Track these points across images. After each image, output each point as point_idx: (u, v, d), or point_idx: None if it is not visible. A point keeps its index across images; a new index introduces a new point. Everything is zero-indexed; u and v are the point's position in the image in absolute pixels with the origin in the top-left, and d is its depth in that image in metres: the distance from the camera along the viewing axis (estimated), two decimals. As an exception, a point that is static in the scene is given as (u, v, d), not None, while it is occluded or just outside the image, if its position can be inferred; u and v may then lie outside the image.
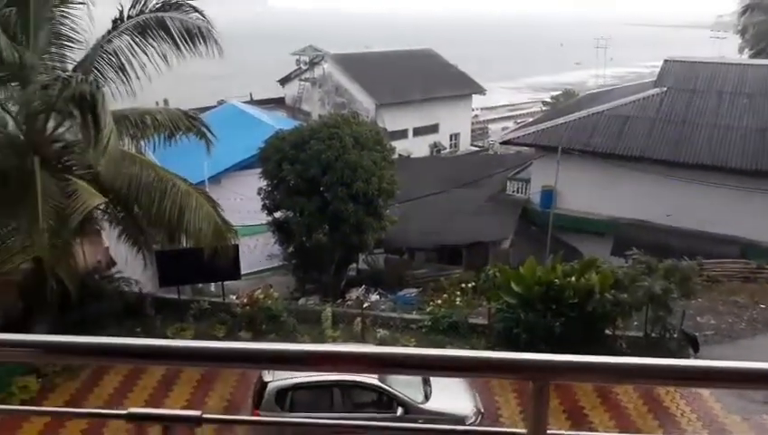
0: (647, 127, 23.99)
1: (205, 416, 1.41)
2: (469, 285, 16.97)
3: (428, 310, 15.62)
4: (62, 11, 12.17)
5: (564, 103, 41.45)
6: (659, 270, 13.90)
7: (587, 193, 23.79)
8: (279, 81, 52.13)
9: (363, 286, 19.17)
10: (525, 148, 28.10)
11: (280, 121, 29.17)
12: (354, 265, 21.73)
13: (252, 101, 46.22)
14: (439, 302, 15.98)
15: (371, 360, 1.31)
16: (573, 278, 13.45)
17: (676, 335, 14.10)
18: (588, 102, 29.30)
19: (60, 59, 12.46)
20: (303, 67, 49.28)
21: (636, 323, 14.48)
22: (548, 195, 24.31)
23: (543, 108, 56.96)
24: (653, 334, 14.02)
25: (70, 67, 12.24)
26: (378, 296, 18.40)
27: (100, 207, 11.50)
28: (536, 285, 13.41)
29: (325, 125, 19.39)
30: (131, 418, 1.42)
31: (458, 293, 16.50)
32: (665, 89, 25.34)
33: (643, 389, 11.78)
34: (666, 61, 26.99)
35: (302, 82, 48.78)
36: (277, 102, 50.42)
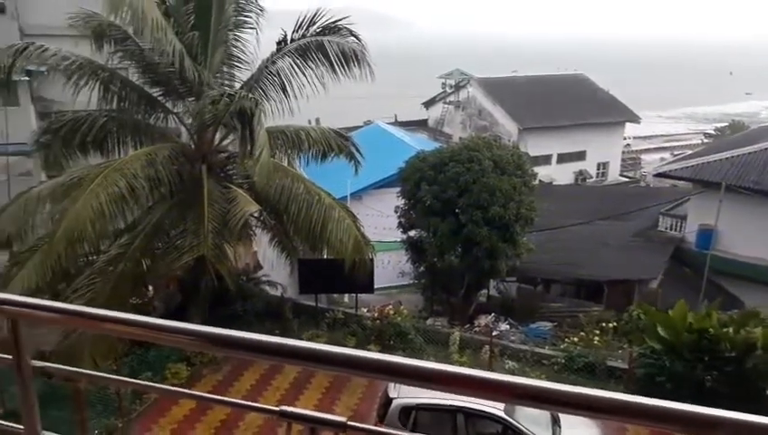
0: (832, 167, 21.12)
1: (350, 423, 1.44)
2: (609, 324, 15.92)
3: (562, 346, 14.87)
4: (236, 35, 13.42)
5: (731, 136, 37.77)
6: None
7: (754, 237, 21.36)
8: (423, 103, 53.17)
9: (493, 314, 18.72)
10: (682, 182, 25.95)
11: (421, 143, 29.70)
12: (485, 290, 21.34)
13: (396, 122, 47.62)
14: (575, 339, 15.16)
15: (523, 390, 1.25)
16: (731, 329, 12.09)
17: None
18: (759, 136, 26.42)
19: (229, 77, 13.72)
20: (448, 90, 49.85)
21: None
22: (706, 235, 22.18)
23: (706, 140, 52.48)
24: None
25: (237, 85, 13.43)
26: (508, 326, 17.87)
27: (255, 215, 12.40)
28: (686, 332, 12.23)
29: (465, 147, 19.37)
30: (282, 415, 1.48)
31: (597, 332, 15.53)
32: None
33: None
34: None
35: (446, 105, 49.30)
36: (420, 124, 51.42)
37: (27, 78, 16.24)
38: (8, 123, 15.35)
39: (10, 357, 1.58)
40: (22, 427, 1.65)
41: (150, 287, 14.75)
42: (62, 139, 12.40)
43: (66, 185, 11.52)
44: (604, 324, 16.01)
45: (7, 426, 1.72)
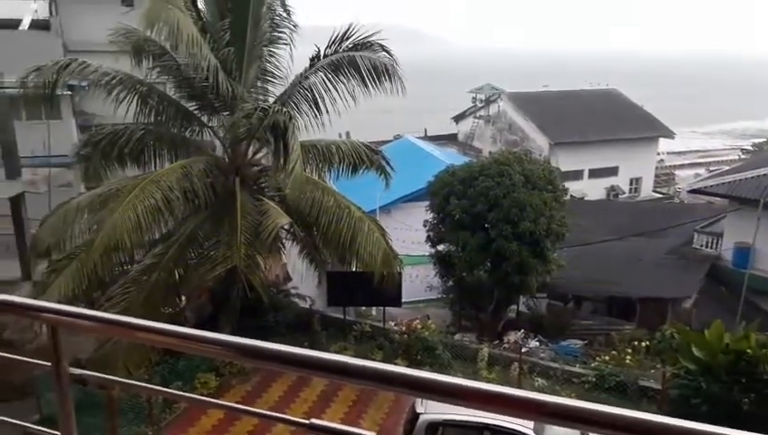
0: None
1: None
2: (642, 343, 15.58)
3: (593, 365, 14.60)
4: (270, 50, 13.69)
5: (770, 152, 36.78)
6: None
7: (794, 255, 20.70)
8: (453, 117, 53.14)
9: (522, 330, 18.48)
10: (718, 199, 25.32)
11: (451, 157, 29.68)
12: (514, 306, 21.09)
13: (426, 137, 47.65)
14: (606, 358, 14.86)
15: (552, 408, 1.24)
16: (771, 351, 11.71)
17: None
18: (801, 152, 25.66)
19: (263, 92, 13.98)
20: (479, 105, 49.75)
21: None
22: (744, 253, 21.57)
23: (743, 156, 51.22)
24: None
25: (271, 100, 13.67)
26: (537, 343, 17.61)
27: (285, 227, 12.54)
28: (722, 353, 11.89)
29: (495, 162, 19.26)
30: (312, 428, 1.50)
31: (629, 350, 15.21)
32: None
33: None
34: None
35: (476, 120, 49.19)
36: (450, 139, 51.35)
37: (69, 93, 16.78)
38: (50, 136, 15.87)
39: (49, 364, 1.61)
40: (58, 433, 1.68)
41: (183, 297, 15.00)
42: (102, 151, 12.77)
43: (104, 196, 11.85)
44: (636, 343, 15.68)
45: (45, 432, 1.76)
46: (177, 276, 12.95)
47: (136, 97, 12.65)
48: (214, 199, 12.40)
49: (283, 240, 14.17)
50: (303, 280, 16.34)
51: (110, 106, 12.46)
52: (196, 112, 13.44)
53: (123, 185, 11.64)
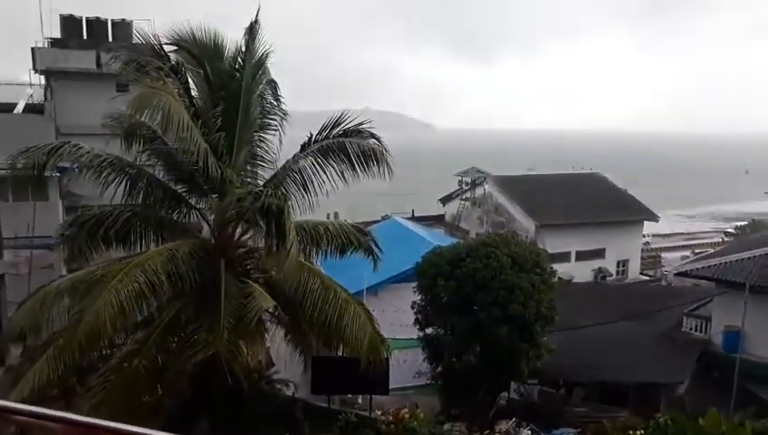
0: None
1: None
2: (637, 432, 15.08)
3: (588, 455, 14.06)
4: (260, 135, 13.96)
5: (752, 235, 37.44)
6: None
7: (784, 339, 20.57)
8: (440, 199, 53.97)
9: (514, 419, 17.92)
10: (704, 281, 25.43)
11: (438, 238, 29.85)
12: (505, 393, 20.55)
13: (413, 217, 48.14)
14: (600, 447, 14.34)
15: None
16: (769, 441, 11.38)
17: None
18: (782, 236, 26.13)
19: (253, 175, 14.12)
20: (465, 187, 50.69)
21: None
22: (733, 337, 21.43)
23: (726, 238, 52.08)
24: None
25: (260, 183, 13.80)
26: (529, 432, 17.05)
27: (269, 310, 12.30)
28: (721, 444, 11.52)
29: (483, 243, 19.39)
30: None
31: (623, 440, 14.71)
32: None
33: None
34: None
35: (463, 201, 49.95)
36: (437, 220, 51.90)
37: (58, 174, 16.89)
38: (36, 217, 15.80)
39: None
40: None
41: (163, 384, 14.44)
42: (87, 232, 12.67)
43: (87, 281, 11.63)
44: (631, 432, 15.17)
45: None
46: (159, 362, 12.53)
47: (125, 179, 12.71)
48: (198, 282, 12.21)
49: (268, 324, 13.87)
50: (287, 366, 15.87)
51: (98, 187, 12.49)
52: (184, 195, 13.49)
53: (107, 269, 11.45)
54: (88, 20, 27.30)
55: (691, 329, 23.92)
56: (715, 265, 23.37)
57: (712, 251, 32.43)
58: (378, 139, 13.40)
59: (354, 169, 13.25)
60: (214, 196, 13.24)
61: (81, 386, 11.44)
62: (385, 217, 43.07)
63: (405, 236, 29.97)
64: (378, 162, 13.29)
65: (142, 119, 11.88)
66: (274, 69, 13.79)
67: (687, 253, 52.08)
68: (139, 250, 12.84)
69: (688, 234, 71.85)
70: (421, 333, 19.74)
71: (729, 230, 60.01)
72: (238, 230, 13.49)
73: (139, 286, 10.79)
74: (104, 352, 11.90)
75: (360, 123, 13.45)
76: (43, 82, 27.14)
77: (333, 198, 13.92)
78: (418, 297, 19.60)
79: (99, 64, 25.14)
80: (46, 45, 26.21)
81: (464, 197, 50.13)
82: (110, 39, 26.83)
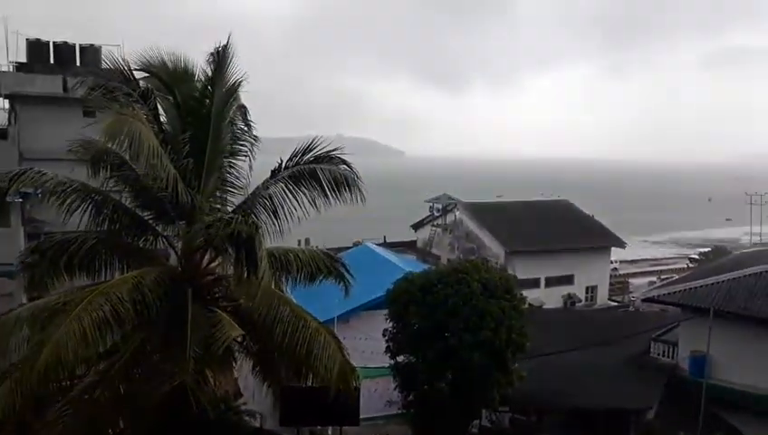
0: (818, 293, 21.25)
1: None
2: (607, 459, 15.11)
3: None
4: (230, 162, 13.85)
5: (715, 261, 38.40)
6: None
7: (747, 363, 20.99)
8: (412, 225, 54.18)
9: (486, 447, 17.80)
10: (671, 307, 25.91)
11: (409, 264, 29.85)
12: (476, 421, 20.43)
13: (385, 243, 48.17)
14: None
15: None
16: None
17: None
18: (742, 261, 26.86)
19: (222, 202, 13.96)
20: (436, 213, 51.02)
21: None
22: (699, 361, 21.79)
23: (690, 265, 53.30)
24: None
25: (230, 209, 13.64)
26: (502, 460, 16.92)
27: (237, 339, 12.06)
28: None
29: (454, 270, 19.43)
30: None
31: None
32: (838, 252, 22.66)
33: None
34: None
35: (434, 227, 50.22)
36: (408, 246, 52.02)
37: (21, 200, 16.46)
38: (-4, 244, 15.33)
39: None
40: None
41: (127, 415, 13.96)
42: (50, 259, 12.33)
43: (49, 309, 11.27)
44: (602, 459, 15.20)
45: None
46: (122, 393, 12.14)
47: (90, 206, 12.45)
48: (165, 311, 11.93)
49: (236, 353, 13.60)
50: (255, 396, 15.53)
51: (62, 214, 12.20)
52: (151, 222, 13.26)
53: (70, 297, 11.13)
54: (55, 44, 27.01)
55: (659, 354, 24.26)
56: (680, 290, 23.85)
57: (677, 277, 33.10)
58: (349, 165, 13.42)
59: (326, 195, 13.21)
60: (182, 222, 13.04)
61: (39, 420, 10.95)
62: (357, 244, 42.97)
63: (377, 263, 29.89)
64: (349, 188, 13.28)
65: (113, 146, 11.70)
66: (245, 95, 13.76)
67: (654, 278, 53.14)
68: (103, 278, 12.53)
69: (654, 260, 73.45)
70: (392, 361, 19.57)
71: (693, 256, 61.48)
72: (207, 257, 13.27)
73: (103, 315, 10.50)
74: (65, 383, 11.48)
75: (332, 150, 13.45)
76: (6, 106, 26.63)
77: (305, 224, 13.83)
78: (390, 324, 19.47)
79: (65, 89, 24.78)
80: (11, 69, 25.76)
81: (435, 223, 50.42)
82: (78, 64, 26.54)
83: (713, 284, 23.09)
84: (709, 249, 59.83)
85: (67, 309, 10.56)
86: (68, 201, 12.10)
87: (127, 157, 12.39)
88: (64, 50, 27.01)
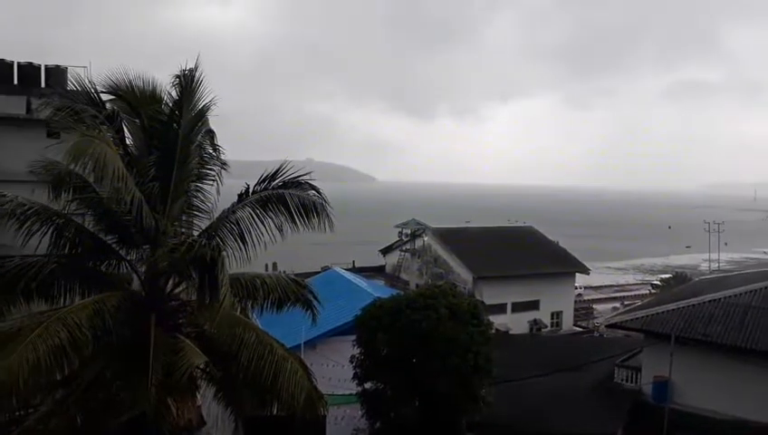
0: (772, 319, 21.93)
1: None
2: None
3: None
4: (197, 186, 13.69)
5: (676, 287, 39.36)
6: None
7: (708, 388, 21.43)
8: (381, 250, 54.22)
9: (453, 474, 17.67)
10: (634, 332, 26.37)
11: (378, 289, 29.77)
12: (445, 448, 20.28)
13: (354, 268, 48.02)
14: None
15: None
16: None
17: None
18: (702, 288, 27.60)
19: (188, 226, 13.76)
20: (405, 238, 51.22)
21: None
22: (661, 387, 22.16)
23: (653, 290, 54.44)
24: None
25: (195, 233, 13.45)
26: (469, 488, 16.80)
27: (200, 367, 11.81)
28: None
29: (422, 295, 19.42)
30: None
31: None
32: (790, 279, 23.49)
33: None
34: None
35: (403, 253, 50.35)
36: (377, 271, 52.00)
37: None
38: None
39: None
40: None
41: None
42: (6, 284, 11.92)
43: (2, 336, 10.86)
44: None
45: None
46: (78, 423, 11.70)
47: (51, 229, 12.14)
48: (126, 337, 11.63)
49: (199, 381, 13.29)
50: (218, 425, 15.14)
51: (20, 237, 11.85)
52: (114, 246, 12.97)
53: (25, 323, 10.76)
54: (20, 65, 26.50)
55: (623, 380, 24.59)
56: (643, 316, 24.33)
57: (640, 303, 33.74)
58: (318, 190, 13.41)
59: (294, 220, 13.15)
60: (146, 247, 12.80)
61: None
62: (325, 268, 42.74)
63: (345, 288, 29.73)
64: (318, 214, 13.25)
65: (77, 169, 11.47)
66: (215, 118, 13.69)
67: (618, 304, 54.08)
68: (62, 304, 12.15)
69: (618, 286, 74.87)
70: (360, 388, 19.37)
71: (655, 282, 62.86)
72: (170, 282, 13.02)
73: (59, 341, 10.19)
74: (18, 413, 11.03)
75: (301, 174, 13.44)
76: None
77: (272, 248, 13.70)
78: (358, 350, 19.32)
79: (29, 110, 24.28)
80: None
81: (404, 248, 50.58)
82: (44, 85, 26.06)
83: (673, 310, 23.65)
84: (670, 275, 61.28)
85: (21, 335, 10.20)
86: (27, 224, 11.79)
87: (91, 179, 12.17)
88: (29, 71, 26.51)
